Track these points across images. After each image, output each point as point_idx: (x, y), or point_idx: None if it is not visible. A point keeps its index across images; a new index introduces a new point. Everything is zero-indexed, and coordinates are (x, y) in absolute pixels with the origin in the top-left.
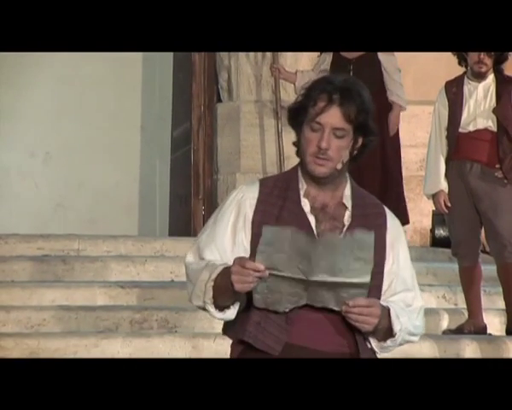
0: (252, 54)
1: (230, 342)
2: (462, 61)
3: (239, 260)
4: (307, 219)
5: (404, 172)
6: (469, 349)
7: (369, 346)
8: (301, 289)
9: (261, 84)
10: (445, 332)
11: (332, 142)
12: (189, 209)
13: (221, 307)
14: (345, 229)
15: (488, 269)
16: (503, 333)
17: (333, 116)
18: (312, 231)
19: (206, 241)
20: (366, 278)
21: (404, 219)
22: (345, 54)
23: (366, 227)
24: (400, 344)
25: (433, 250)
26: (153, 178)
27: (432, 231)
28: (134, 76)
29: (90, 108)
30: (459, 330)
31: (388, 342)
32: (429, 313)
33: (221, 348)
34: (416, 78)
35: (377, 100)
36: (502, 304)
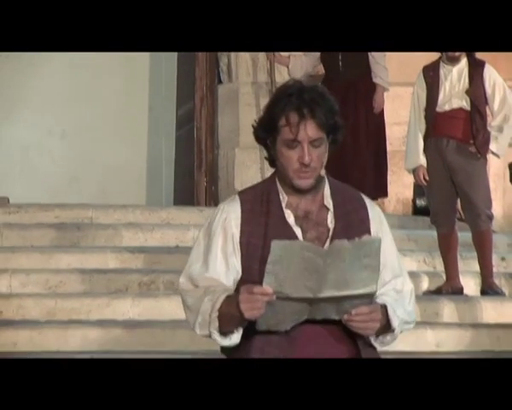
0: None
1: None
2: None
3: (246, 288)
4: (293, 231)
5: (389, 148)
6: (447, 308)
7: (368, 343)
8: (305, 306)
9: (258, 67)
10: (425, 293)
11: (313, 153)
12: (192, 181)
13: (226, 334)
14: (330, 233)
15: (464, 236)
16: (478, 294)
17: (309, 130)
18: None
19: (200, 270)
20: (373, 288)
21: (384, 192)
22: None
23: (350, 226)
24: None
25: (414, 219)
26: (159, 153)
27: (413, 201)
28: (142, 60)
29: (103, 90)
30: (438, 291)
31: (388, 337)
32: (411, 275)
33: None
34: (401, 62)
35: (364, 82)
36: (476, 267)
